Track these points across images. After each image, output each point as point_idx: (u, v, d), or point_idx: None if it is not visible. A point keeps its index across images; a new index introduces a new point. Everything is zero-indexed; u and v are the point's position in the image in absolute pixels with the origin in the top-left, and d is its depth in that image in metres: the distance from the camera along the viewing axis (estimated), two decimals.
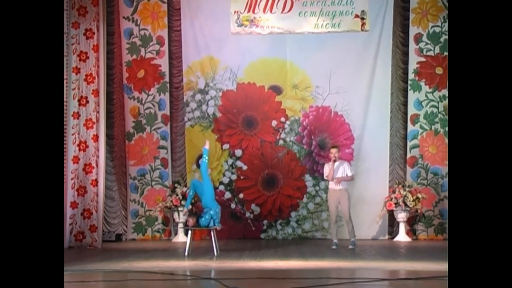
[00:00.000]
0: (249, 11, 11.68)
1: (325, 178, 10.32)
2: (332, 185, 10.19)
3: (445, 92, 11.65)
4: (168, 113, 11.81)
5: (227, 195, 11.70)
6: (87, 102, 10.47)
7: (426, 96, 11.70)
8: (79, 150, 10.41)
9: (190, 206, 9.86)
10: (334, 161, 10.11)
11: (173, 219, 11.58)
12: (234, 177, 11.77)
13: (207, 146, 9.79)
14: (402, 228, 11.45)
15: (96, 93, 10.47)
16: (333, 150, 10.19)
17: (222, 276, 7.23)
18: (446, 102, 11.63)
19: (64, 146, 10.08)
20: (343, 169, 10.14)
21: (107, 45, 10.87)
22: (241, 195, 11.73)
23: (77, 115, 10.41)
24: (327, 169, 10.18)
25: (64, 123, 10.02)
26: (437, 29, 11.65)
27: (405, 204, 11.26)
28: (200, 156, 11.72)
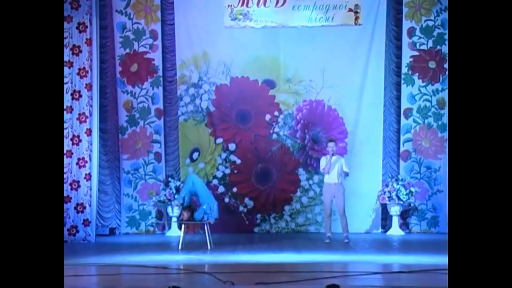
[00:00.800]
0: (242, 5, 11.66)
1: (321, 170, 10.34)
2: (327, 179, 10.21)
3: (438, 86, 11.69)
4: (162, 107, 11.79)
5: (221, 189, 11.70)
6: (80, 96, 10.45)
7: (419, 90, 11.72)
8: (72, 144, 10.40)
9: (182, 201, 9.79)
10: (332, 154, 10.12)
11: (167, 213, 11.58)
12: (227, 171, 11.77)
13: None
14: (395, 221, 11.48)
15: (89, 87, 10.45)
16: (331, 144, 10.20)
17: (215, 270, 7.24)
18: (439, 96, 11.68)
19: None
20: (340, 164, 10.16)
21: (100, 38, 10.83)
22: (234, 189, 11.73)
23: (70, 109, 10.39)
24: (324, 162, 10.18)
25: None
26: (430, 23, 11.66)
27: (398, 198, 11.30)
28: (194, 150, 11.77)
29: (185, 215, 9.52)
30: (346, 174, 10.17)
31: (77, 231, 10.33)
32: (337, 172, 10.11)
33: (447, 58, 11.60)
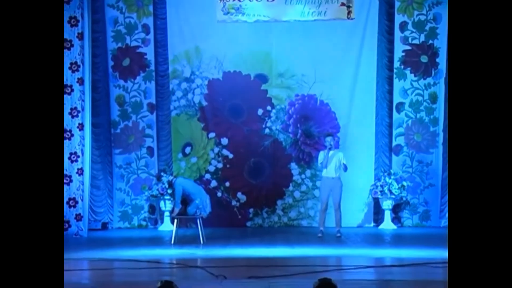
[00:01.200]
0: None
1: (319, 165, 10.37)
2: (325, 173, 10.22)
3: (430, 80, 11.72)
4: (154, 102, 11.76)
5: (213, 183, 11.69)
6: (72, 90, 10.41)
7: (411, 84, 11.74)
8: (64, 138, 10.36)
9: (180, 206, 9.75)
10: (330, 149, 10.13)
11: (159, 208, 11.57)
12: (220, 165, 11.76)
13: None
14: (387, 215, 11.51)
15: (81, 81, 10.42)
16: (328, 138, 10.23)
17: (208, 264, 7.26)
18: (431, 90, 11.71)
19: None
20: (338, 158, 10.15)
21: (92, 33, 10.79)
22: (227, 184, 11.73)
23: None
24: (322, 157, 10.20)
25: None
26: (422, 17, 11.68)
27: (391, 192, 11.32)
28: (186, 145, 11.76)
29: (177, 209, 9.56)
30: (345, 168, 10.14)
31: (70, 226, 10.32)
32: (334, 166, 10.13)
33: (439, 52, 11.64)
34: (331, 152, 10.14)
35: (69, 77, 10.38)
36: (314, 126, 11.75)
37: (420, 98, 11.73)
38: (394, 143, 11.76)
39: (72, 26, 10.37)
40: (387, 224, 11.45)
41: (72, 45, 10.38)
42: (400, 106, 11.74)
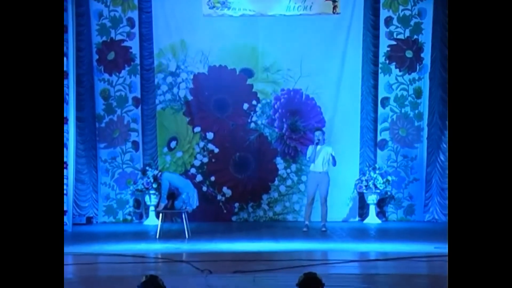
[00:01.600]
0: None
1: (307, 159, 10.39)
2: (313, 168, 10.24)
3: (415, 75, 11.76)
4: (139, 96, 11.71)
5: (199, 178, 11.67)
6: None
7: (396, 79, 11.79)
8: None
9: (166, 201, 9.78)
10: (317, 143, 10.13)
11: (145, 202, 11.55)
12: (205, 160, 11.75)
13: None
14: (372, 210, 11.56)
15: (65, 75, 10.35)
16: (317, 133, 10.24)
17: (193, 258, 7.26)
18: (416, 85, 11.76)
19: None
20: (326, 152, 10.15)
21: (76, 26, 10.73)
22: (212, 178, 11.72)
23: None
24: (310, 151, 10.22)
25: None
26: (407, 13, 11.72)
27: (375, 187, 11.37)
28: (171, 139, 11.72)
29: (162, 204, 9.56)
30: (334, 161, 10.08)
31: None
32: (322, 161, 10.14)
33: (423, 47, 11.70)
34: (319, 147, 10.16)
35: None
36: (300, 120, 11.77)
37: (405, 93, 11.78)
38: (379, 138, 11.81)
39: None
40: (372, 219, 11.50)
41: None
42: (385, 101, 11.79)
